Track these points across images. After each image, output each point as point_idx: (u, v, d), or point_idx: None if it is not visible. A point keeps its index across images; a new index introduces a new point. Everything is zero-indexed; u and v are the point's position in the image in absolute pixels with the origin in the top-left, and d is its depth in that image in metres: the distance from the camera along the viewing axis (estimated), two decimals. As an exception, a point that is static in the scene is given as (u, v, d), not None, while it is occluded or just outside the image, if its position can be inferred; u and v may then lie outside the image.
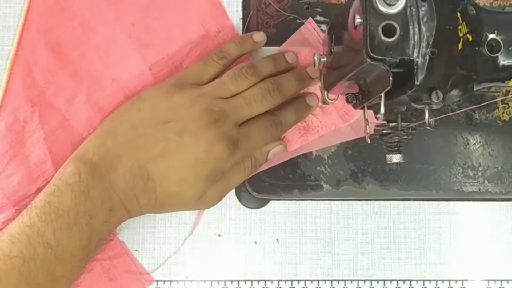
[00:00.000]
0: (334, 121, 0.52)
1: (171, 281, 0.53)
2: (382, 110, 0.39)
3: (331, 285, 0.53)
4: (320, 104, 0.52)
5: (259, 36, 0.52)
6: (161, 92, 0.48)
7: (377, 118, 0.44)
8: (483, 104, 0.41)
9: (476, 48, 0.40)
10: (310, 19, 0.53)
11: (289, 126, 0.51)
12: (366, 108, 0.45)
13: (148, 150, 0.46)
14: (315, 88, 0.53)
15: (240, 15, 0.55)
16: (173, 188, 0.46)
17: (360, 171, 0.53)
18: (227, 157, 0.46)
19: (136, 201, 0.46)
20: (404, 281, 0.53)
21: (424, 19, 0.36)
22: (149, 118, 0.47)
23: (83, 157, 0.46)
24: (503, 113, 0.54)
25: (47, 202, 0.44)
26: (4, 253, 0.43)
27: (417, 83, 0.36)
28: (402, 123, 0.43)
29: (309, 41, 0.53)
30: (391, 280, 0.53)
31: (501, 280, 0.53)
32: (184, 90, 0.48)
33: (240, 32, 0.54)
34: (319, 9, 0.54)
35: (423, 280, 0.53)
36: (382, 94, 0.38)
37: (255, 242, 0.54)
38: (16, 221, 0.45)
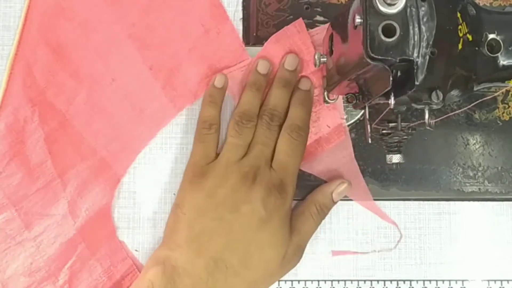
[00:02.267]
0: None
1: (171, 281, 0.53)
2: (392, 101, 0.38)
3: (331, 285, 0.53)
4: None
5: (219, 81, 0.52)
6: (189, 188, 0.49)
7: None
8: (480, 100, 0.41)
9: (476, 48, 0.40)
10: (300, 20, 0.53)
11: (304, 122, 0.50)
12: (366, 108, 0.45)
13: (216, 240, 0.46)
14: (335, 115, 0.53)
15: (240, 15, 0.55)
16: (255, 259, 0.47)
17: (360, 171, 0.53)
18: (283, 201, 0.47)
19: None
20: (404, 281, 0.53)
21: (424, 19, 0.36)
22: (198, 215, 0.48)
23: (156, 268, 0.46)
24: (503, 113, 0.54)
25: None
26: None
27: (417, 83, 0.36)
28: (402, 123, 0.43)
29: (292, 42, 0.53)
30: (391, 280, 0.53)
31: (501, 280, 0.53)
32: (207, 174, 0.49)
33: (240, 32, 0.54)
34: (319, 9, 0.54)
35: (423, 280, 0.53)
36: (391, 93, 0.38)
37: (255, 242, 0.54)
38: None
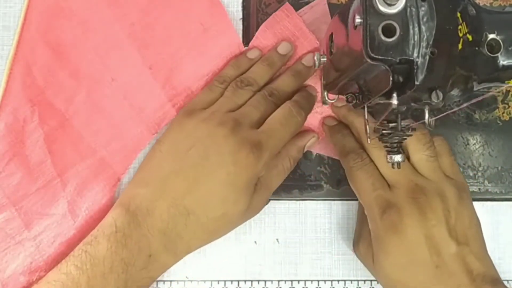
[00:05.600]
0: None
1: (171, 281, 0.53)
2: (395, 101, 0.38)
3: (331, 285, 0.53)
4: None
5: (253, 53, 0.53)
6: (174, 126, 0.50)
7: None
8: (478, 99, 0.41)
9: (476, 48, 0.40)
10: (287, 4, 0.53)
11: (308, 103, 0.51)
12: (366, 108, 0.45)
13: (181, 185, 0.46)
14: (316, 117, 0.53)
15: (240, 15, 0.54)
16: (217, 211, 0.46)
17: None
18: (255, 161, 0.46)
19: (180, 238, 0.46)
20: (404, 281, 0.53)
21: (424, 19, 0.36)
22: (171, 155, 0.47)
23: (120, 208, 0.46)
24: (503, 113, 0.54)
25: (84, 251, 0.45)
26: None
27: (417, 83, 0.36)
28: (402, 123, 0.43)
29: (283, 27, 0.53)
30: (391, 280, 0.53)
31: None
32: (194, 115, 0.49)
33: (240, 32, 0.54)
34: (319, 9, 0.54)
35: (423, 280, 0.53)
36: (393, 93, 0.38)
37: (255, 242, 0.54)
38: (55, 269, 0.46)
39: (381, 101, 0.40)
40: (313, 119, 0.53)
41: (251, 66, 0.52)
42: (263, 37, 0.53)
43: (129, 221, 0.45)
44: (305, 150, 0.52)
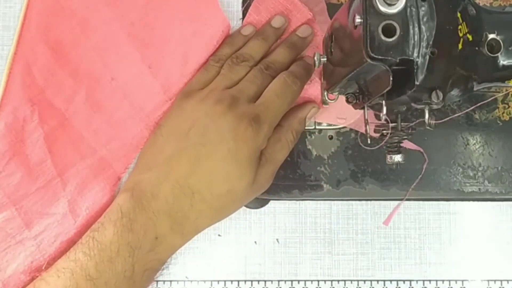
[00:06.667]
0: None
1: (171, 281, 0.53)
2: (384, 110, 0.38)
3: (331, 285, 0.53)
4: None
5: (247, 30, 0.53)
6: (173, 109, 0.50)
7: (378, 119, 0.44)
8: (482, 103, 0.41)
9: (476, 48, 0.40)
10: None
11: (304, 72, 0.51)
12: (366, 108, 0.45)
13: (183, 166, 0.46)
14: (316, 87, 0.53)
15: (240, 15, 0.54)
16: (222, 188, 0.46)
17: (360, 171, 0.53)
18: (254, 134, 0.46)
19: (187, 219, 0.46)
20: (404, 281, 0.53)
21: (424, 19, 0.36)
22: (172, 138, 0.48)
23: (125, 193, 0.47)
24: (503, 113, 0.54)
25: (91, 238, 0.46)
26: (50, 287, 0.45)
27: (417, 83, 0.36)
28: (402, 123, 0.43)
29: (276, 2, 0.53)
30: (391, 280, 0.53)
31: (501, 280, 0.53)
32: (192, 96, 0.49)
33: (240, 31, 0.54)
34: (319, 9, 0.54)
35: (423, 280, 0.53)
36: (384, 95, 0.38)
37: (255, 242, 0.54)
38: (64, 257, 0.47)
39: (381, 101, 0.40)
40: (313, 89, 0.53)
41: (245, 42, 0.52)
42: (256, 13, 0.53)
43: (134, 206, 0.46)
44: (307, 121, 0.52)
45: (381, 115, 0.39)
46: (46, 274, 0.46)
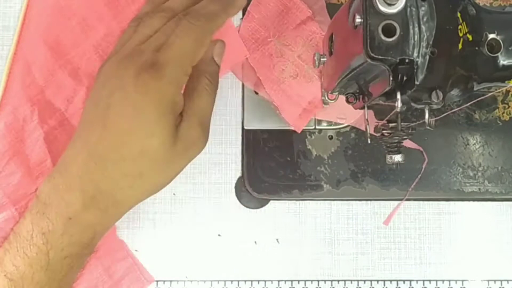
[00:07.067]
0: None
1: (171, 281, 0.53)
2: (399, 104, 0.37)
3: (331, 285, 0.53)
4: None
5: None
6: (95, 81, 0.46)
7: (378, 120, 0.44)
8: (478, 99, 0.41)
9: (476, 48, 0.40)
10: None
11: (206, 4, 0.45)
12: (366, 108, 0.45)
13: (92, 134, 0.42)
14: (317, 87, 0.53)
15: (240, 15, 0.54)
16: (133, 149, 0.42)
17: (360, 171, 0.53)
18: (156, 82, 0.41)
19: (100, 192, 0.42)
20: (404, 281, 0.53)
21: (424, 19, 0.36)
22: (88, 108, 0.45)
23: (45, 177, 0.45)
24: (503, 113, 0.54)
25: (13, 231, 0.44)
26: None
27: (417, 83, 0.36)
28: (402, 123, 0.43)
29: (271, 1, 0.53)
30: (391, 280, 0.53)
31: (501, 280, 0.53)
32: (107, 61, 0.45)
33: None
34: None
35: (423, 280, 0.53)
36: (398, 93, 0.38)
37: (255, 242, 0.54)
38: None
39: (381, 102, 0.40)
40: (314, 89, 0.52)
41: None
42: (256, 12, 0.53)
43: (49, 188, 0.43)
44: (217, 59, 0.47)
45: (397, 106, 0.37)
46: None
